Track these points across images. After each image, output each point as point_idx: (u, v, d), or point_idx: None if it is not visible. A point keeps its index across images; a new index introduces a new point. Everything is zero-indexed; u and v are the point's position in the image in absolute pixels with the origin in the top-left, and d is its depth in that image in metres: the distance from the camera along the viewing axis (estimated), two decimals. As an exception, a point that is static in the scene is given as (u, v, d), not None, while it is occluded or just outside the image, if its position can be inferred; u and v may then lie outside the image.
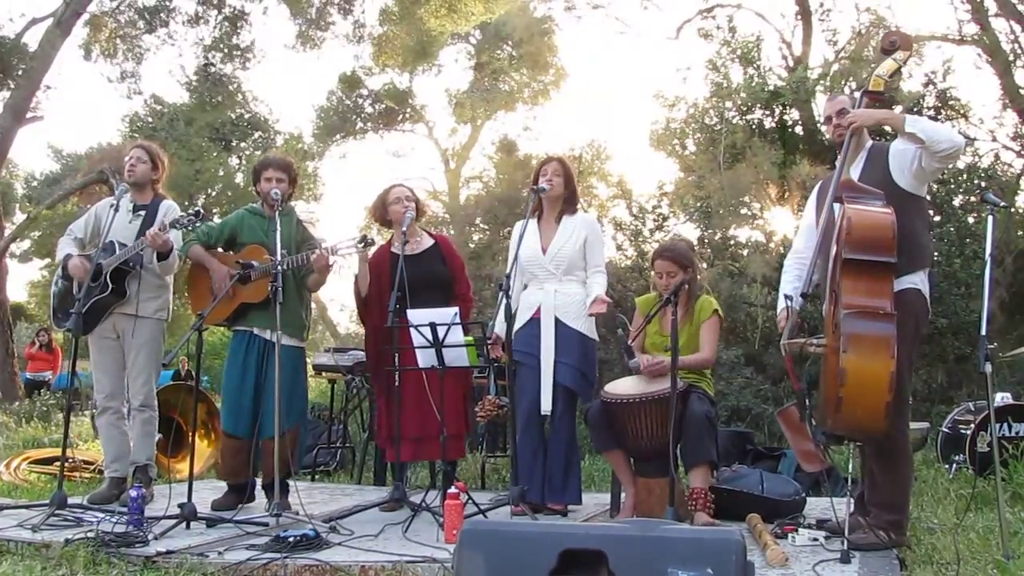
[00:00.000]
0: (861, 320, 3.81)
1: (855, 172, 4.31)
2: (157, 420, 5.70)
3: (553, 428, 5.20)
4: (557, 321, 5.21)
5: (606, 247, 6.11)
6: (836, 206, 4.13)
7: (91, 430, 9.94)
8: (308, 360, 7.75)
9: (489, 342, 5.12)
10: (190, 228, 5.33)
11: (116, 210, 5.39)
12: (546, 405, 5.12)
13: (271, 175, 5.45)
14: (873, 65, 4.67)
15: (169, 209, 5.66)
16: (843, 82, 12.28)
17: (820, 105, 12.28)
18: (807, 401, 4.31)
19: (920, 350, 4.48)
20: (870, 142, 4.37)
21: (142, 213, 5.61)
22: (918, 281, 4.22)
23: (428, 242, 5.65)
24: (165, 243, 5.33)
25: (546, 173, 5.35)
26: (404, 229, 5.37)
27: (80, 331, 5.25)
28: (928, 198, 4.58)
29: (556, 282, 5.28)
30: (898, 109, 11.09)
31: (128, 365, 5.61)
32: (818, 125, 11.81)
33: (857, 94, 4.47)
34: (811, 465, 4.73)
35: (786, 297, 4.39)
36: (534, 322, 5.24)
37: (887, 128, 4.47)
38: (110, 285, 5.42)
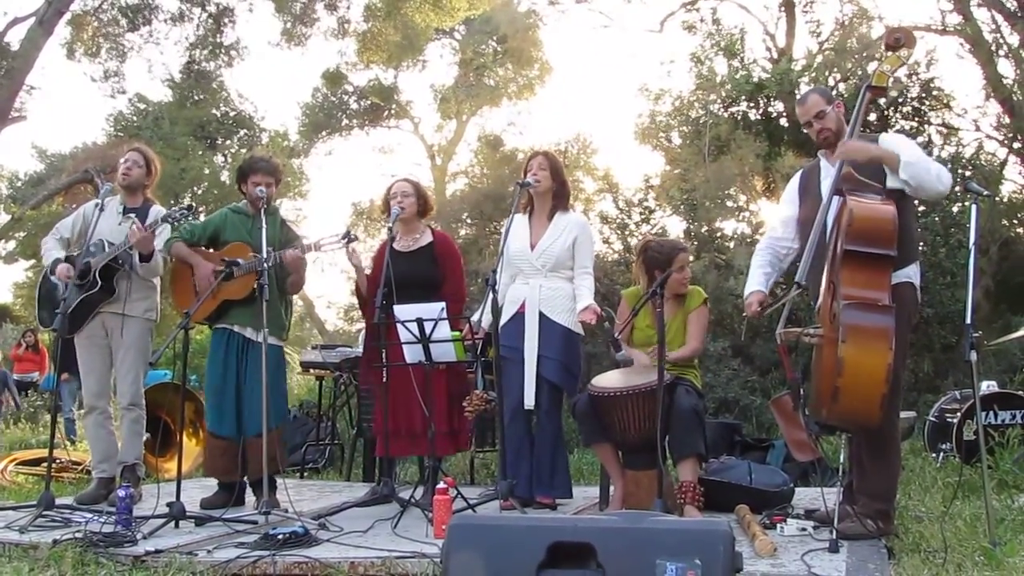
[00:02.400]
0: (860, 311, 3.83)
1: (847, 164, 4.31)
2: (145, 419, 5.68)
3: (539, 423, 5.21)
4: (542, 316, 5.21)
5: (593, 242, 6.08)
6: (836, 198, 4.15)
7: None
8: (296, 357, 7.73)
9: (476, 336, 5.12)
10: (181, 222, 5.31)
11: (101, 210, 5.36)
12: (529, 400, 5.13)
13: (259, 180, 5.40)
14: (857, 56, 4.69)
15: (158, 215, 5.62)
16: (827, 73, 12.31)
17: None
18: (800, 390, 4.33)
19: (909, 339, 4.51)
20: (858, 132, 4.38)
21: (132, 216, 5.58)
22: (912, 274, 4.25)
23: (426, 240, 5.57)
24: (148, 243, 5.31)
25: (532, 168, 5.35)
26: (391, 224, 5.36)
27: (65, 331, 5.23)
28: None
29: (542, 277, 5.28)
30: (881, 100, 11.12)
31: (116, 364, 5.59)
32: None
33: (841, 86, 4.49)
34: (803, 454, 4.76)
35: (797, 285, 4.34)
36: (519, 317, 5.24)
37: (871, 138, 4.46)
38: (99, 282, 5.39)
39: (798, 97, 4.62)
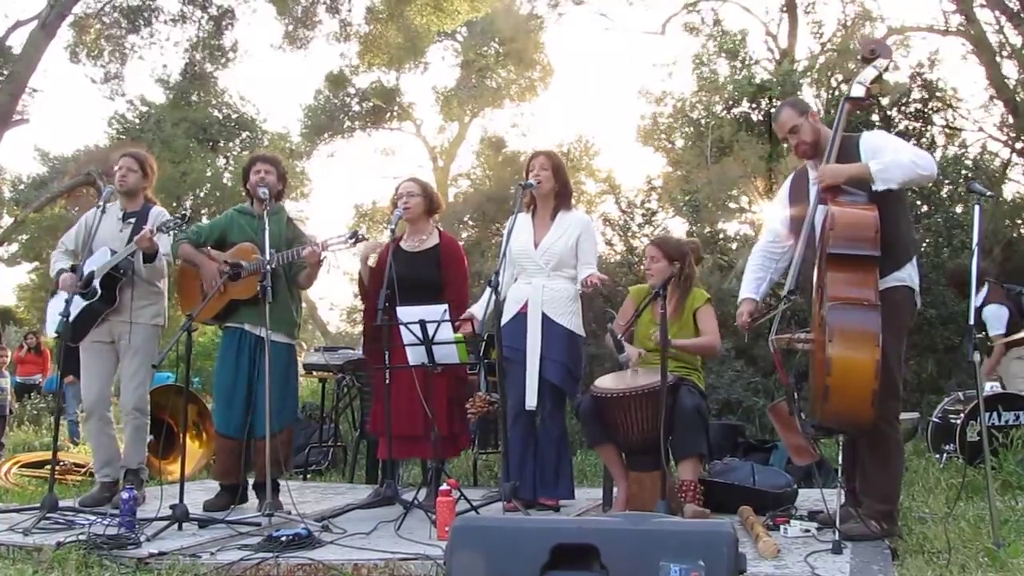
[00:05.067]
0: (845, 311, 3.87)
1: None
2: (149, 426, 5.67)
3: (542, 424, 5.20)
4: (544, 317, 5.20)
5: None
6: (821, 206, 4.16)
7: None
8: (299, 359, 7.73)
9: (476, 335, 5.11)
10: (176, 231, 5.31)
11: (103, 212, 5.36)
12: (531, 401, 5.12)
13: (260, 168, 5.44)
14: (858, 58, 4.70)
15: (159, 215, 5.62)
16: (829, 74, 12.31)
17: (807, 98, 12.31)
18: (796, 395, 4.34)
19: (909, 341, 4.51)
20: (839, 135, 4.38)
21: (132, 220, 5.58)
22: (905, 277, 4.24)
23: (433, 241, 5.53)
24: (153, 244, 5.31)
25: (533, 168, 5.35)
26: (394, 226, 5.36)
27: (69, 336, 5.23)
28: (916, 188, 4.60)
29: (544, 277, 5.27)
30: (884, 100, 11.12)
31: (122, 368, 5.58)
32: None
33: (844, 87, 4.50)
34: (802, 459, 4.77)
35: (788, 294, 4.34)
36: (521, 317, 5.23)
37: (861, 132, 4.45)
38: (99, 291, 5.39)
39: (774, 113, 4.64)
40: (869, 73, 4.40)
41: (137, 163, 5.68)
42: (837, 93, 11.84)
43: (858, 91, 4.39)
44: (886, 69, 4.47)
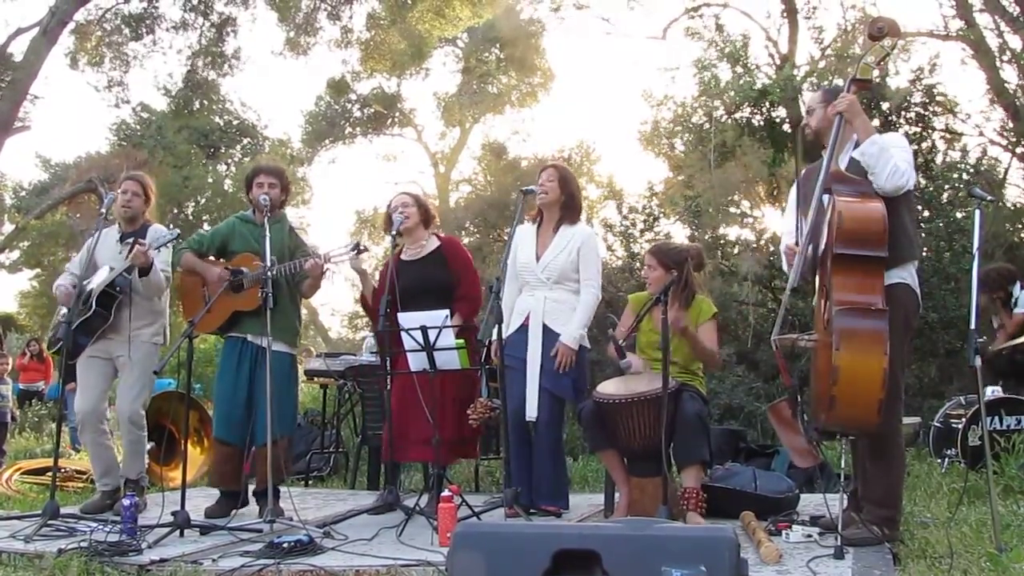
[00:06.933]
0: (853, 317, 3.80)
1: (843, 162, 4.26)
2: (146, 438, 5.64)
3: (536, 434, 5.19)
4: (545, 328, 5.21)
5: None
6: (826, 197, 4.12)
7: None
8: (300, 365, 7.71)
9: (486, 349, 5.11)
10: (171, 247, 5.35)
11: (97, 240, 5.36)
12: (531, 412, 5.12)
13: (263, 181, 5.43)
14: (861, 52, 4.64)
15: (157, 232, 5.62)
16: (830, 79, 12.30)
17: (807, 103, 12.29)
18: (799, 397, 4.31)
19: (911, 344, 4.47)
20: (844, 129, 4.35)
21: (130, 241, 5.58)
22: (906, 276, 4.20)
23: (433, 245, 5.52)
24: (147, 258, 5.29)
25: (540, 180, 5.36)
26: (394, 233, 5.36)
27: (69, 343, 5.22)
28: (917, 193, 4.58)
29: (547, 289, 5.28)
30: (884, 105, 11.13)
31: (121, 380, 5.57)
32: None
33: (840, 81, 4.48)
34: (803, 461, 4.75)
35: (792, 292, 4.29)
36: (524, 328, 5.25)
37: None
38: (93, 307, 5.38)
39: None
40: (876, 52, 4.30)
41: (142, 188, 5.74)
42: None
43: (863, 72, 4.35)
44: (893, 47, 4.38)
